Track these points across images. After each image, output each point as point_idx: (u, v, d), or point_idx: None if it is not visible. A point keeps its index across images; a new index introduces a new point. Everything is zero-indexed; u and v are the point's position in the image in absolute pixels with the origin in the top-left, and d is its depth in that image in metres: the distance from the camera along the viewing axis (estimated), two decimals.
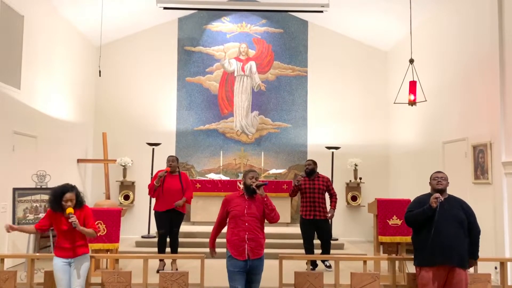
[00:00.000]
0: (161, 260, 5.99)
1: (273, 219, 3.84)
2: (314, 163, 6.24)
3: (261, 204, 3.84)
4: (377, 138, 9.60)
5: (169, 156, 6.07)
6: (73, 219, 3.77)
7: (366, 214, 8.81)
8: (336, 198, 6.23)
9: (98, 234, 5.30)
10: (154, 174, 6.50)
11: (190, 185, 6.14)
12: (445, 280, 3.71)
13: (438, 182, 3.84)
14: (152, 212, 6.98)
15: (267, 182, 4.01)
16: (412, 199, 4.08)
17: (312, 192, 6.07)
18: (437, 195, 3.71)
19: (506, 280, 4.39)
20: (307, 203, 6.07)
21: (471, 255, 3.78)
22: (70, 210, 3.84)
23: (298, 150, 9.59)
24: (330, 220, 6.28)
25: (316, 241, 6.17)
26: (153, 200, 6.10)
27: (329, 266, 6.17)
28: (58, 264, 3.90)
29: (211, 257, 4.09)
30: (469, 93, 6.28)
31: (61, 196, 3.86)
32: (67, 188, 3.91)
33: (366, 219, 9.05)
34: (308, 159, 6.64)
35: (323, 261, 6.28)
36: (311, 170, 6.17)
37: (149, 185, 6.06)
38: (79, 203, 3.97)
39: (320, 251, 6.29)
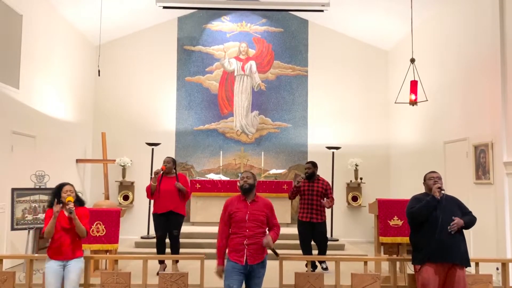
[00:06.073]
0: (161, 262, 5.85)
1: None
2: (314, 165, 6.15)
3: (264, 207, 3.79)
4: (378, 138, 9.57)
5: (165, 157, 6.01)
6: (71, 205, 3.81)
7: (367, 214, 8.78)
8: (332, 200, 6.12)
9: (98, 235, 5.29)
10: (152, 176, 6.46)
11: (188, 184, 6.10)
12: (445, 279, 3.71)
13: (435, 181, 3.87)
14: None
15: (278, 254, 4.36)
16: None
17: (310, 195, 6.03)
18: (439, 185, 3.81)
19: (507, 281, 4.38)
20: (304, 205, 6.05)
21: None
22: (70, 198, 3.87)
23: (298, 150, 9.56)
24: (324, 221, 6.15)
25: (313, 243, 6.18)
26: (153, 201, 6.02)
27: (326, 268, 6.12)
28: (52, 267, 3.82)
29: (219, 277, 3.76)
30: (470, 93, 6.25)
31: (60, 188, 3.92)
32: (65, 183, 4.03)
33: (366, 220, 9.02)
34: (308, 161, 6.49)
35: (320, 263, 6.25)
36: (310, 174, 6.11)
37: (146, 188, 5.94)
38: (78, 201, 4.02)
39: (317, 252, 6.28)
